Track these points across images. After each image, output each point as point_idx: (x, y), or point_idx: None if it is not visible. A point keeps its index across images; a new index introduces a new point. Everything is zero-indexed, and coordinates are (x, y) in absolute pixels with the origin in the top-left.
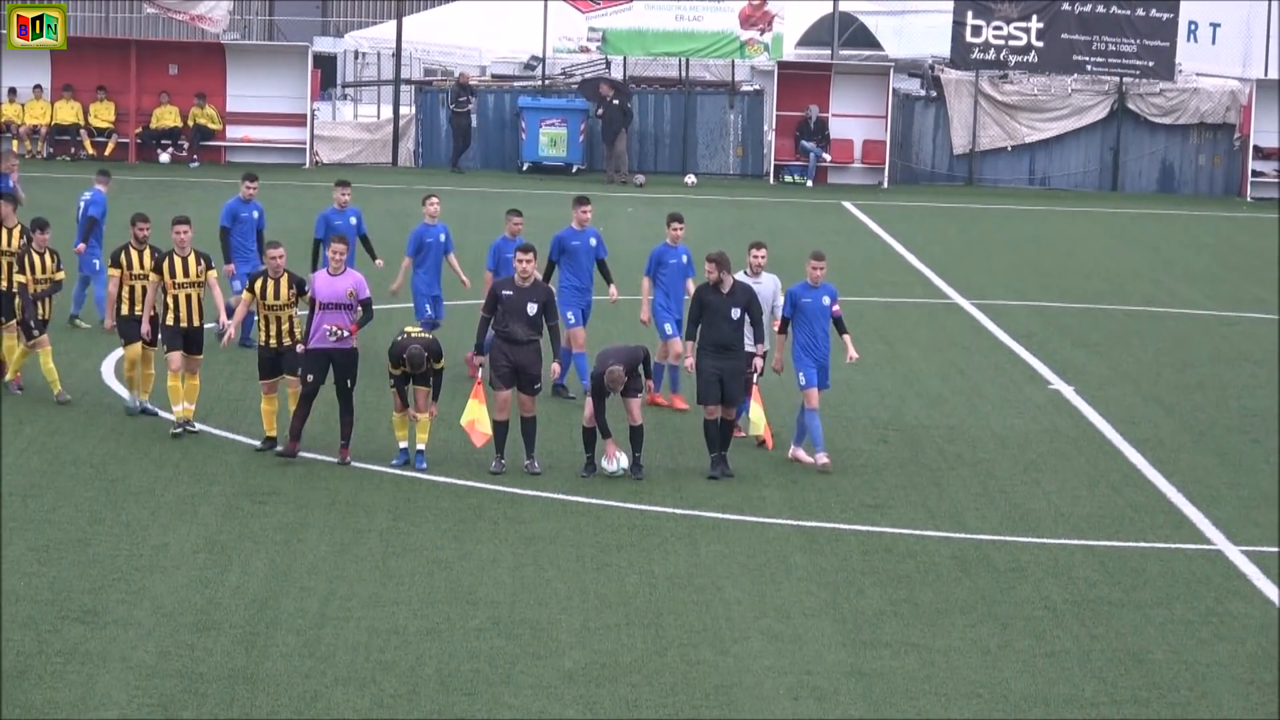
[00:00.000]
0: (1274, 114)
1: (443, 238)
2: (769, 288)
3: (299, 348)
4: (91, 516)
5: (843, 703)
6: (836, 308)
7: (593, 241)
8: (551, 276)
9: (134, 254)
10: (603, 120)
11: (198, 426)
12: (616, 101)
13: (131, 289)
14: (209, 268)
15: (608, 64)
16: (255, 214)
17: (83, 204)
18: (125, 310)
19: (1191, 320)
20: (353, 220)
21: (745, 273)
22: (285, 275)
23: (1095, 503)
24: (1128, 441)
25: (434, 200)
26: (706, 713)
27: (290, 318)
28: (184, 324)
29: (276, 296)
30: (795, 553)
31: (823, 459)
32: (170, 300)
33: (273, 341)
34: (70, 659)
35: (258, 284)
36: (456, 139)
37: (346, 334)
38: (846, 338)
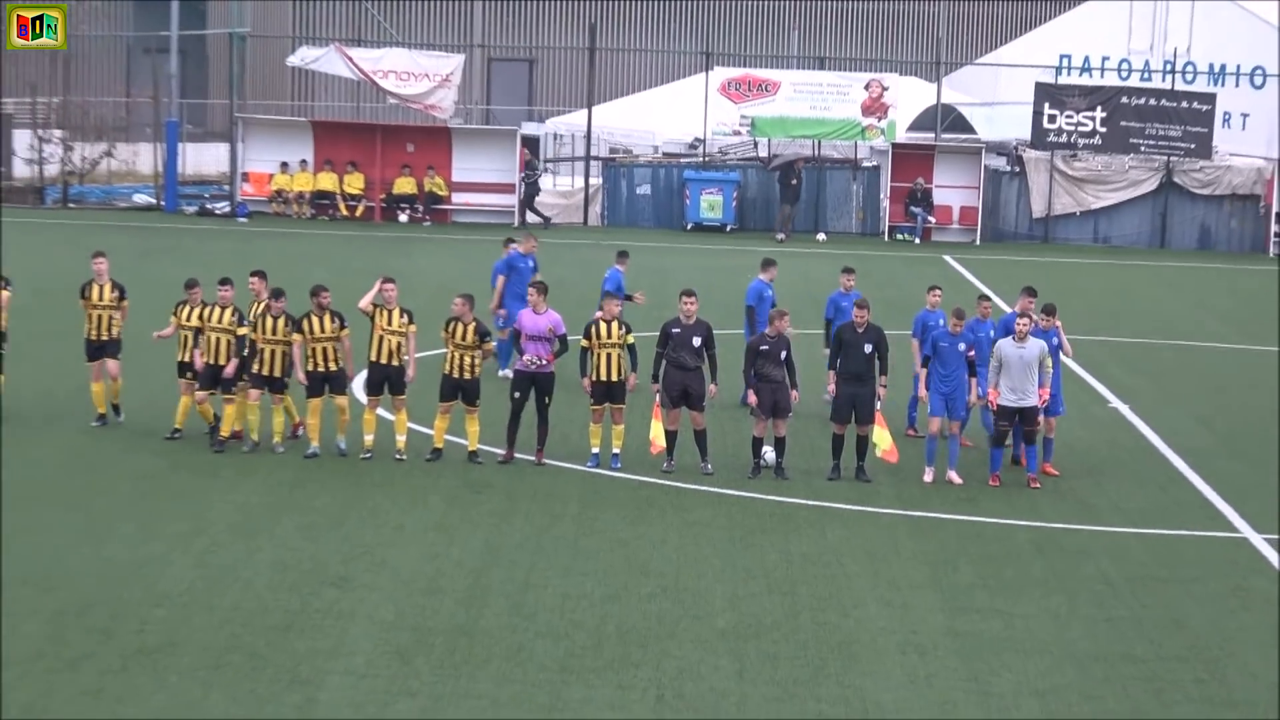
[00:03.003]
0: None
1: (843, 304)
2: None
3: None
4: (344, 503)
5: (940, 656)
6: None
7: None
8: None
9: (314, 319)
10: (790, 189)
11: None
12: (795, 182)
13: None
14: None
15: (755, 145)
16: (769, 292)
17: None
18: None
19: (1225, 353)
20: (769, 293)
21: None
22: (475, 322)
23: (1146, 499)
24: (1173, 450)
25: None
26: (832, 663)
27: (474, 356)
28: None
29: (464, 339)
30: (904, 538)
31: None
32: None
33: (455, 373)
34: (327, 615)
35: (452, 325)
36: (523, 201)
37: (544, 362)
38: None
